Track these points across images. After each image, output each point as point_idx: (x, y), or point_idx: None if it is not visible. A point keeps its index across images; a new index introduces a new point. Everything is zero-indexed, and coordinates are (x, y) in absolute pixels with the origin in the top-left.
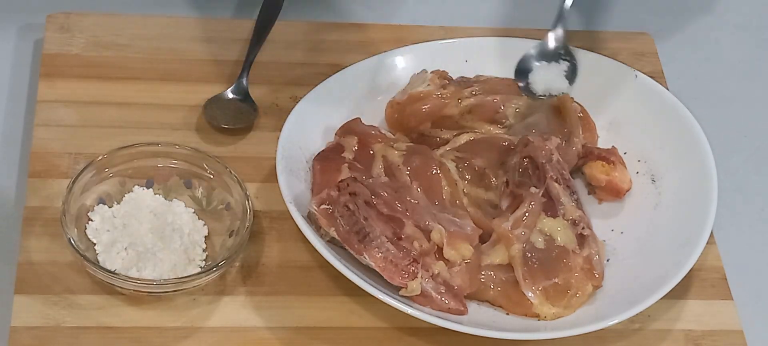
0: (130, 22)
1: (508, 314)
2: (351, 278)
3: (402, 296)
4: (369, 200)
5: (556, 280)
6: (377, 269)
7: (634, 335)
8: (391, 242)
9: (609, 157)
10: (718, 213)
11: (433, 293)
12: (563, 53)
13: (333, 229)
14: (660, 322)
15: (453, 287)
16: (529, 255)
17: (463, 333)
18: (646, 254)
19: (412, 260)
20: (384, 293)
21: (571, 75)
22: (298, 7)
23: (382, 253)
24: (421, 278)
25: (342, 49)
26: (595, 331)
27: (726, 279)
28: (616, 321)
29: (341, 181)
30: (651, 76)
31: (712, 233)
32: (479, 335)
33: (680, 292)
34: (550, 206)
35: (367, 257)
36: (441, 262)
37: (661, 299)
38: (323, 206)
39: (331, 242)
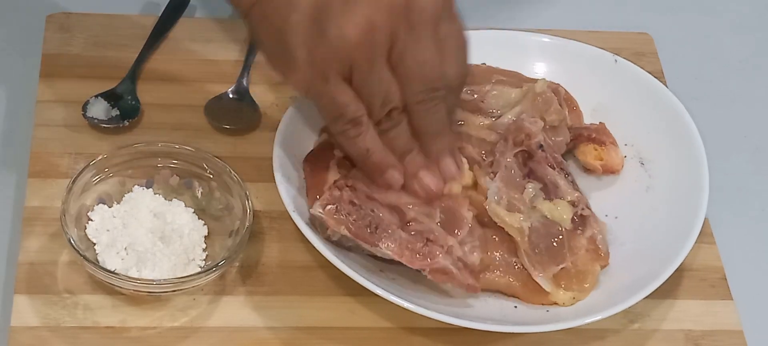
0: (130, 22)
1: (516, 307)
2: (357, 280)
3: (414, 290)
4: (369, 193)
5: (564, 265)
6: (395, 257)
7: (634, 334)
8: (400, 228)
9: (599, 138)
10: (718, 213)
11: (453, 269)
12: None
13: (343, 227)
14: (660, 322)
15: (468, 263)
16: (535, 241)
17: (464, 331)
18: (644, 237)
19: (426, 241)
20: (388, 291)
21: None
22: None
23: (396, 240)
24: (441, 256)
25: None
26: (595, 330)
27: (726, 279)
28: (632, 303)
29: (337, 180)
30: (651, 76)
31: (712, 233)
32: (481, 329)
33: (680, 292)
34: (547, 191)
35: (382, 247)
36: (451, 237)
37: (661, 299)
38: (329, 207)
39: (337, 243)
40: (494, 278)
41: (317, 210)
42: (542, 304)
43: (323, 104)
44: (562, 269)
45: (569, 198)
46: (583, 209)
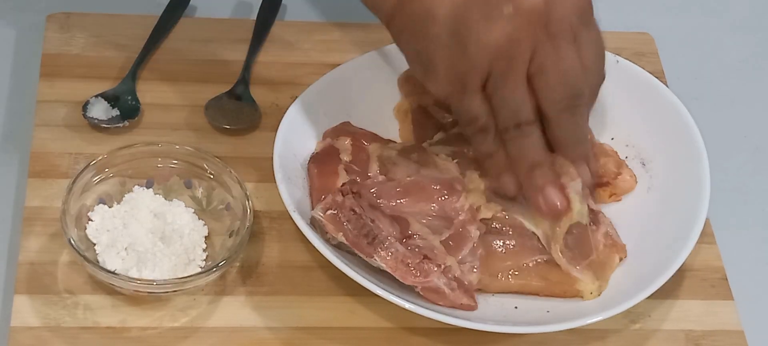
0: (130, 22)
1: (516, 307)
2: (358, 280)
3: (414, 293)
4: (373, 201)
5: (592, 257)
6: (389, 270)
7: (634, 335)
8: (399, 242)
9: (603, 179)
10: (718, 213)
11: (446, 290)
12: None
13: (341, 234)
14: (660, 322)
15: (464, 283)
16: (566, 239)
17: (464, 331)
18: (645, 238)
19: (422, 257)
20: (388, 291)
21: None
22: (298, 7)
23: (391, 254)
24: (435, 275)
25: (342, 49)
26: (596, 331)
27: (726, 279)
28: (633, 303)
29: (344, 184)
30: (652, 76)
31: (712, 233)
32: (481, 329)
33: (681, 292)
34: None
35: (377, 259)
36: (451, 256)
37: (662, 299)
38: (329, 212)
39: (338, 247)
40: (508, 281)
41: (318, 213)
42: (565, 295)
43: (458, 111)
44: (590, 261)
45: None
46: (593, 205)
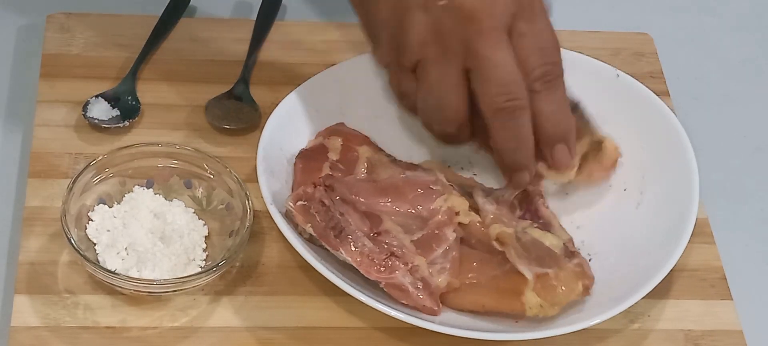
0: (130, 22)
1: (483, 312)
2: (326, 275)
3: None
4: (346, 196)
5: (548, 271)
6: (353, 264)
7: (634, 335)
8: (368, 237)
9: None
10: (718, 213)
11: (411, 288)
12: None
13: (309, 225)
14: (659, 322)
15: (430, 286)
16: (524, 246)
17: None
18: (640, 239)
19: (389, 254)
20: (359, 291)
21: None
22: (298, 7)
23: (357, 247)
24: (400, 273)
25: (342, 49)
26: (595, 330)
27: (726, 279)
28: (603, 319)
29: (319, 178)
30: (651, 76)
31: (711, 233)
32: (483, 339)
33: (680, 292)
34: (541, 226)
35: (343, 252)
36: (421, 257)
37: (661, 299)
38: (300, 203)
39: (311, 240)
40: (464, 297)
41: (288, 203)
42: (511, 310)
43: (392, 83)
44: (545, 274)
45: (562, 237)
46: (571, 247)
